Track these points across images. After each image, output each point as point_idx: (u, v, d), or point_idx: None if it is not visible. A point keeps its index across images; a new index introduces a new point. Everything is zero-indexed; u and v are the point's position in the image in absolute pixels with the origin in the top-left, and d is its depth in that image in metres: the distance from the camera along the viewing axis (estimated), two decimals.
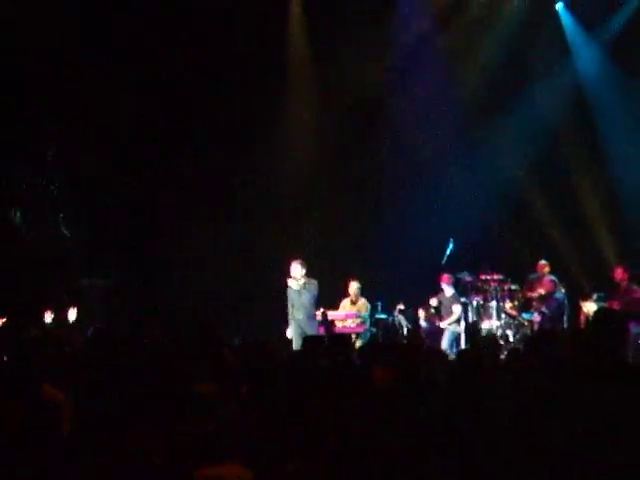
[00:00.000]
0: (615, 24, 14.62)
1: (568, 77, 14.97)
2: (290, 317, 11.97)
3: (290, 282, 11.94)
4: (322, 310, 12.48)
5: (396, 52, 15.07)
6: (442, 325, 13.22)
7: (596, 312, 5.34)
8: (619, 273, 12.66)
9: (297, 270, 11.93)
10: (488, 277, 13.42)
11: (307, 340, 8.15)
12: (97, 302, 13.48)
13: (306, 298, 11.91)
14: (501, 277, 13.44)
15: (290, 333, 11.91)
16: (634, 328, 12.21)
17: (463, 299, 13.48)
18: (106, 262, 13.92)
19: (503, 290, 13.34)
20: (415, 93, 15.03)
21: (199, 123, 14.64)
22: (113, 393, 4.30)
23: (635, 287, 12.50)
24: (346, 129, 15.09)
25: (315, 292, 11.95)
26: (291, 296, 11.97)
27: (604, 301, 12.66)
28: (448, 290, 13.44)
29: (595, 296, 12.94)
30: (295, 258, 12.03)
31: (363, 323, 12.93)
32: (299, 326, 11.82)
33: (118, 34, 13.65)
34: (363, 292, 13.82)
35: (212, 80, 14.44)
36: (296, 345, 11.34)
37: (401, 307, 13.54)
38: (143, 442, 3.80)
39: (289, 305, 11.99)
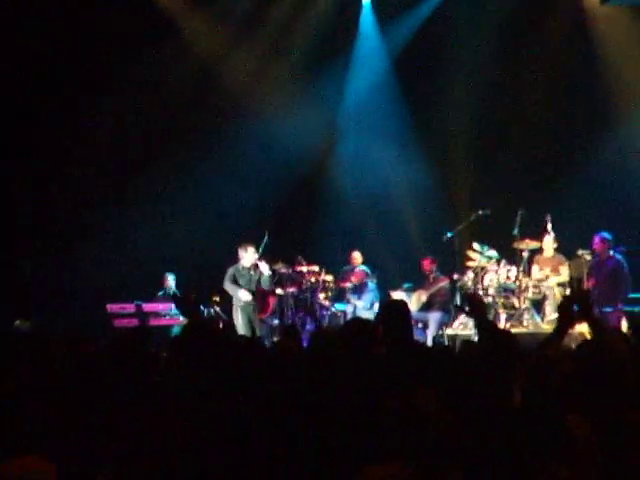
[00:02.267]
0: (405, 31, 15.25)
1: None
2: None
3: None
4: (136, 303, 12.32)
5: None
6: (262, 317, 13.29)
7: (384, 304, 5.61)
8: (426, 264, 13.19)
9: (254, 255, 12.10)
10: (303, 269, 13.61)
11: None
12: None
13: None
14: (316, 269, 13.64)
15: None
16: (440, 316, 12.83)
17: (278, 291, 13.60)
18: None
19: (317, 281, 13.56)
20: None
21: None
22: None
23: (441, 276, 13.07)
24: None
25: None
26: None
27: (412, 291, 13.17)
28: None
29: (404, 286, 13.44)
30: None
31: (178, 316, 12.83)
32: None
33: None
34: (177, 285, 13.76)
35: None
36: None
37: (217, 299, 13.51)
38: None
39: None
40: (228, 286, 12.21)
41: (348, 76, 15.49)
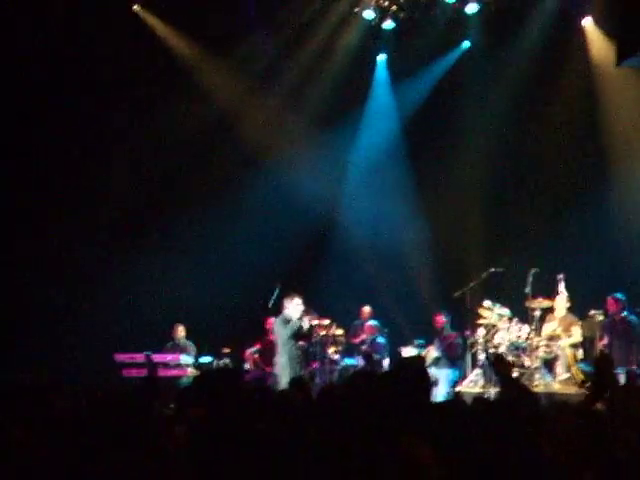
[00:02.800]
0: (418, 88, 15.39)
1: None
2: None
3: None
4: (145, 353, 12.28)
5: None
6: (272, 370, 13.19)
7: (399, 360, 5.54)
8: (438, 320, 13.12)
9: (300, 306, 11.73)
10: (315, 322, 13.52)
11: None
12: None
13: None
14: (327, 322, 13.57)
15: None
16: (451, 373, 12.72)
17: None
18: None
19: (327, 335, 13.48)
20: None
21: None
22: None
23: (452, 333, 13.00)
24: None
25: None
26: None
27: (424, 347, 13.08)
28: (273, 334, 13.46)
29: (416, 342, 13.35)
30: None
31: (187, 366, 12.79)
32: None
33: None
34: (188, 336, 13.71)
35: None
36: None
37: (227, 350, 13.47)
38: None
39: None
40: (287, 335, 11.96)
41: (360, 131, 15.65)
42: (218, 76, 15.07)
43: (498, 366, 5.11)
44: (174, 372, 12.60)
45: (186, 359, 12.96)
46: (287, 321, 11.69)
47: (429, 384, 4.96)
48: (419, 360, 5.41)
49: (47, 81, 13.79)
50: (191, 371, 12.86)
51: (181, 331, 13.75)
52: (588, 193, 14.51)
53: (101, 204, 14.46)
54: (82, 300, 14.06)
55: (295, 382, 7.96)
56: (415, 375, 4.80)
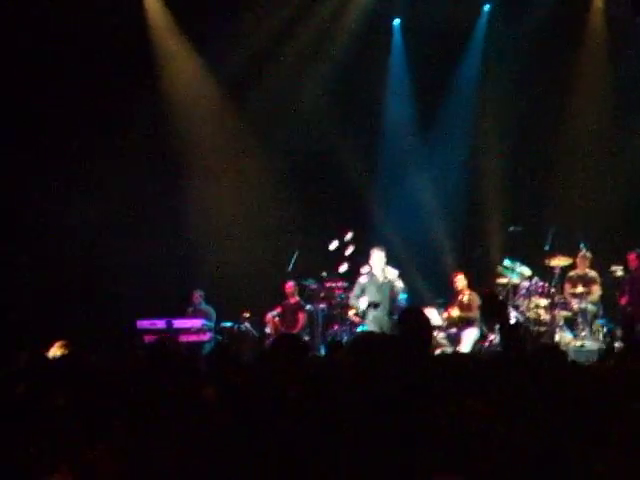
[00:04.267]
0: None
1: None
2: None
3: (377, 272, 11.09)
4: (166, 319, 12.35)
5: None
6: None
7: (403, 312, 5.41)
8: (457, 280, 13.07)
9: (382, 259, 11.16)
10: (333, 284, 13.52)
11: None
12: None
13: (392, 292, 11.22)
14: (346, 285, 13.54)
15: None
16: (472, 332, 12.70)
17: (308, 306, 13.54)
18: None
19: (347, 298, 13.46)
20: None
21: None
22: None
23: (472, 292, 12.95)
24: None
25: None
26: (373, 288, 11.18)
27: (444, 307, 13.05)
28: (293, 298, 13.50)
29: (436, 302, 13.33)
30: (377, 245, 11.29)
31: (208, 331, 12.84)
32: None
33: None
34: (208, 301, 13.74)
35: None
36: None
37: (247, 315, 13.50)
38: None
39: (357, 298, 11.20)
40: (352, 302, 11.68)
41: (382, 100, 15.44)
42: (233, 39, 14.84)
43: (490, 308, 4.84)
44: (196, 337, 12.65)
45: (207, 324, 13.02)
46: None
47: (428, 335, 4.81)
48: (414, 312, 5.13)
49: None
50: (213, 336, 12.92)
51: (200, 297, 13.77)
52: (606, 152, 14.43)
53: (119, 169, 14.35)
54: (101, 267, 14.06)
55: (333, 345, 7.85)
56: (413, 328, 4.71)
